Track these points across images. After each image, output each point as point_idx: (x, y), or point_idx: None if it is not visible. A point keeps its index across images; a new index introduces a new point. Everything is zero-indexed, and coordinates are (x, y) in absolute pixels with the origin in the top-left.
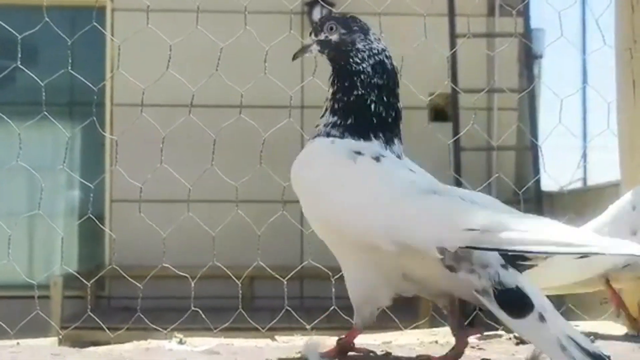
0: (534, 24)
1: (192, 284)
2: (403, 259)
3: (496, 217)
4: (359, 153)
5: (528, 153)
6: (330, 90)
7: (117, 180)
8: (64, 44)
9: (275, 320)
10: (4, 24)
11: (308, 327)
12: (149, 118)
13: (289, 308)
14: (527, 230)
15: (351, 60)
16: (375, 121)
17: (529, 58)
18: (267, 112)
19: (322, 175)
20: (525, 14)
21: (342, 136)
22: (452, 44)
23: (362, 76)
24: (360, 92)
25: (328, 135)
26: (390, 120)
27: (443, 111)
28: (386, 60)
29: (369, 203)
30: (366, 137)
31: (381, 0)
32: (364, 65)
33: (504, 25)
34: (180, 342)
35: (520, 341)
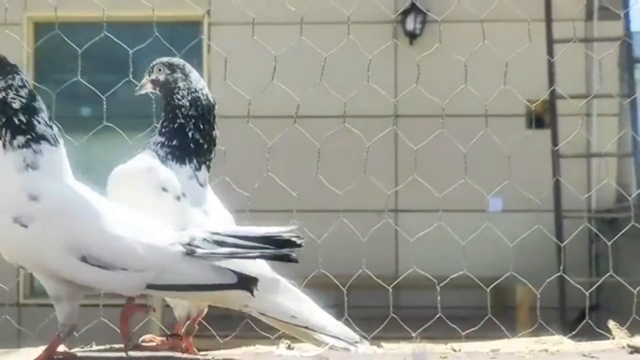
0: (634, 27)
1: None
2: None
3: None
4: (164, 189)
5: (630, 160)
6: (162, 118)
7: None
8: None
9: (379, 329)
10: (117, 41)
11: (414, 334)
12: (255, 129)
13: (394, 316)
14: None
15: (174, 96)
16: (192, 146)
17: (630, 62)
18: (366, 122)
19: (130, 198)
20: (625, 17)
21: (165, 158)
22: (550, 49)
23: (183, 109)
24: (181, 122)
25: (156, 153)
26: (205, 146)
27: (541, 118)
28: (201, 96)
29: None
30: (182, 162)
31: (482, 6)
32: (184, 101)
33: (603, 30)
34: (289, 348)
35: (635, 350)
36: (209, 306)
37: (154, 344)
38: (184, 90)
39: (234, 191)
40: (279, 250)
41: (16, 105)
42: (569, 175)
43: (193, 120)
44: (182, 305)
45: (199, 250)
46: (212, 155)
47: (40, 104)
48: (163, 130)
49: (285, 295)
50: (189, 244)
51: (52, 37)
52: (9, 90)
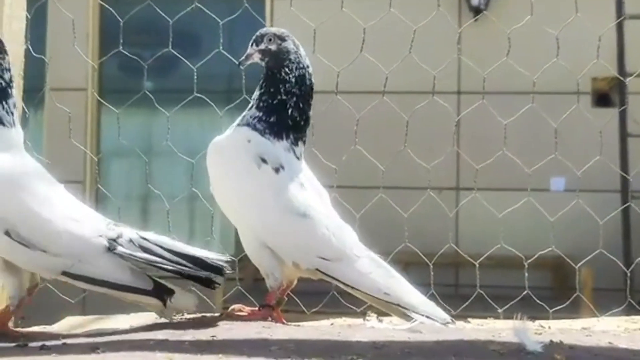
0: None
1: None
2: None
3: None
4: (264, 160)
5: None
6: (258, 92)
7: None
8: (224, 33)
9: (463, 306)
10: (208, 11)
11: (500, 310)
12: (344, 101)
13: (481, 292)
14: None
15: (283, 69)
16: (290, 123)
17: None
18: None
19: (229, 169)
20: None
21: (263, 132)
22: (619, 24)
23: (287, 85)
24: (282, 98)
25: (254, 126)
26: (302, 123)
27: (607, 96)
28: (307, 75)
29: (254, 210)
30: (279, 136)
31: None
32: (291, 75)
33: None
34: (379, 320)
35: None
36: (298, 279)
37: (244, 313)
38: (294, 63)
39: (322, 164)
40: (197, 270)
41: None
42: (638, 155)
43: (294, 99)
44: (274, 276)
45: (120, 249)
46: (307, 131)
47: (12, 90)
48: (261, 104)
49: (378, 272)
50: (114, 240)
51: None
52: None
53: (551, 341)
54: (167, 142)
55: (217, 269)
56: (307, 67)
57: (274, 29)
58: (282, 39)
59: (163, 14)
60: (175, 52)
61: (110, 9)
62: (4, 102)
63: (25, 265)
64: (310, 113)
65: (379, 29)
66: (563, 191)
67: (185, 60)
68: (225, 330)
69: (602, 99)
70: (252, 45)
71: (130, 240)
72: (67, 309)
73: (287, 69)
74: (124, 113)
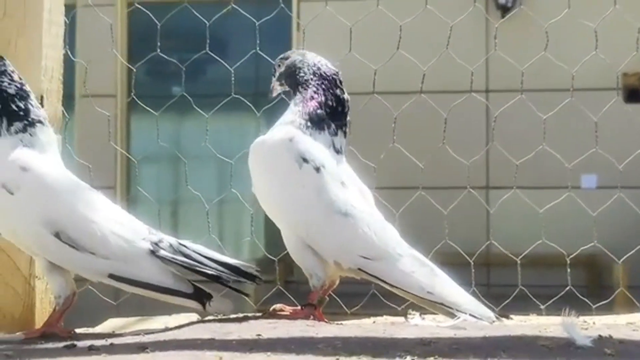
0: None
1: None
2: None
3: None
4: (305, 160)
5: None
6: (293, 94)
7: None
8: (250, 36)
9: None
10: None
11: (542, 307)
12: (382, 99)
13: (523, 288)
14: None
15: (297, 77)
16: (328, 110)
17: None
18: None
19: (271, 169)
20: None
21: (305, 127)
22: None
23: (310, 80)
24: (313, 90)
25: (294, 123)
26: (339, 108)
27: (638, 91)
28: (322, 67)
29: (296, 209)
30: (320, 128)
31: None
32: (308, 75)
33: None
34: (422, 318)
35: None
36: (340, 280)
37: (286, 312)
38: (303, 67)
39: (360, 162)
40: (235, 275)
41: (12, 90)
42: None
43: (323, 87)
44: (317, 275)
45: (162, 252)
46: (347, 119)
47: (27, 86)
48: (297, 101)
49: (421, 271)
50: (156, 244)
51: (145, 16)
52: (4, 77)
53: (600, 336)
54: (205, 144)
55: (252, 276)
56: (319, 61)
57: (280, 57)
58: (285, 57)
59: (180, 18)
60: (213, 54)
61: (148, 12)
62: (29, 101)
63: (72, 267)
64: (345, 96)
65: (409, 28)
66: (595, 188)
67: (223, 62)
68: (270, 329)
69: (632, 95)
70: (273, 79)
71: (171, 246)
72: (102, 311)
73: (301, 73)
74: (156, 118)
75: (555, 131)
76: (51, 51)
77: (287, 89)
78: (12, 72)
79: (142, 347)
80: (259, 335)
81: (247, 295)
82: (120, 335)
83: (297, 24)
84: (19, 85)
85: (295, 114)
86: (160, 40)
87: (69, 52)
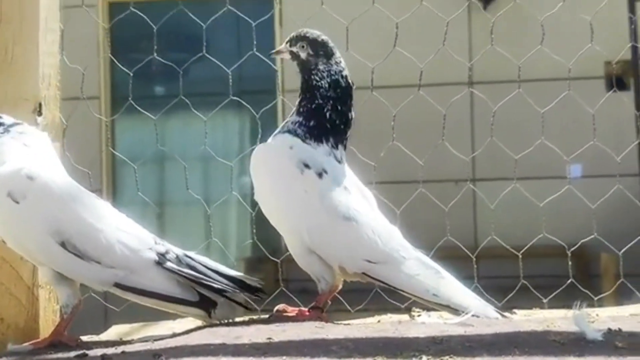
0: None
1: None
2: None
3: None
4: (307, 166)
5: None
6: (299, 97)
7: None
8: (233, 36)
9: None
10: (194, 16)
11: (545, 300)
12: (380, 97)
13: (525, 282)
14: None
15: (312, 77)
16: (329, 126)
17: None
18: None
19: (273, 175)
20: None
21: (304, 137)
22: (631, 7)
23: (322, 90)
24: (319, 102)
25: (295, 132)
26: (341, 126)
27: (621, 80)
28: (341, 80)
29: (299, 215)
30: (319, 140)
31: None
32: (322, 82)
33: None
34: (428, 315)
35: None
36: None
37: (292, 314)
38: (323, 72)
39: (359, 160)
40: (240, 290)
41: None
42: None
43: (331, 102)
44: (325, 279)
45: (169, 264)
46: (348, 134)
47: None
48: (301, 110)
49: (426, 273)
50: (162, 254)
51: (126, 17)
52: None
53: (609, 329)
54: (205, 147)
55: (255, 289)
56: (340, 72)
57: (311, 34)
58: (314, 49)
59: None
60: (210, 57)
61: (141, 14)
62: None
63: (78, 277)
64: (352, 114)
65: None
66: (580, 177)
67: (221, 64)
68: (280, 332)
69: (617, 83)
70: (286, 43)
71: (177, 257)
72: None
73: (316, 77)
74: (140, 120)
75: (553, 122)
76: (48, 58)
77: (294, 63)
78: None
79: (155, 355)
80: (270, 338)
81: (251, 310)
82: (129, 342)
83: (279, 20)
84: None
85: (295, 124)
86: (141, 41)
87: (65, 59)
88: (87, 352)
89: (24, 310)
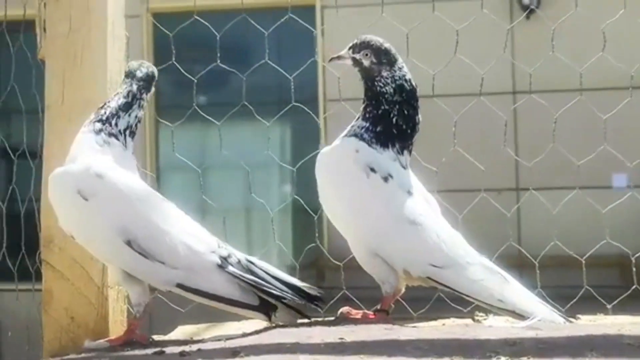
0: None
1: None
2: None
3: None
4: (372, 170)
5: None
6: (364, 103)
7: None
8: (273, 46)
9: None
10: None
11: (609, 306)
12: (441, 104)
13: (588, 289)
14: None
15: (376, 84)
16: (395, 132)
17: None
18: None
19: (338, 178)
20: None
21: (370, 142)
22: None
23: (387, 96)
24: (385, 108)
25: (361, 137)
26: (408, 131)
27: None
28: (405, 84)
29: (364, 219)
30: (385, 146)
31: None
32: (387, 88)
33: None
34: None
35: None
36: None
37: (358, 316)
38: (387, 78)
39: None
40: (298, 296)
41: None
42: None
43: (397, 107)
44: (389, 283)
45: (230, 268)
46: (414, 139)
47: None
48: (367, 115)
49: (492, 279)
50: (225, 258)
51: (172, 28)
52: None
53: None
54: (222, 152)
55: (314, 298)
56: (404, 76)
57: (374, 42)
58: (377, 57)
59: (212, 29)
60: (224, 66)
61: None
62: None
63: (142, 276)
64: (419, 117)
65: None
66: (625, 187)
67: (235, 71)
68: (350, 333)
69: None
70: (349, 49)
71: (239, 262)
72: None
73: (380, 84)
74: (179, 128)
75: (576, 131)
76: (115, 64)
77: (356, 70)
78: None
79: (235, 352)
80: (342, 338)
81: (309, 318)
82: (201, 341)
83: (321, 31)
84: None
85: (362, 128)
86: (183, 51)
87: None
88: (164, 349)
89: (94, 310)
